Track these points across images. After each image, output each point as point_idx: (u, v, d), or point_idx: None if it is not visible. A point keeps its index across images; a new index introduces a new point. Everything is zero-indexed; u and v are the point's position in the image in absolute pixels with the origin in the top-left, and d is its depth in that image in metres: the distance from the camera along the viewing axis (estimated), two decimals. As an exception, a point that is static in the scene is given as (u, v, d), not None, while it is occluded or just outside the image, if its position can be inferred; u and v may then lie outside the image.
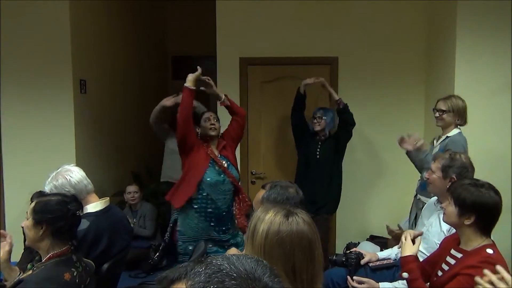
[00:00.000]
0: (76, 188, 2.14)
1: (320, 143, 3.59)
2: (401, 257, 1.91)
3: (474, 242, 1.80)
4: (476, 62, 3.40)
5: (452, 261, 1.86)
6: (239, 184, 3.01)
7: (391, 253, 2.57)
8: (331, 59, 4.05)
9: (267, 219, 1.20)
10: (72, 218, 1.79)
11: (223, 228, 2.91)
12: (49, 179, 2.17)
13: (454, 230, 2.08)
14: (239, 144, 4.10)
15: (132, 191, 4.15)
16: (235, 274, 0.66)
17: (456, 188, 1.87)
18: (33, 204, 1.81)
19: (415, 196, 3.00)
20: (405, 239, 1.95)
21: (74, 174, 2.17)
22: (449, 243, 1.96)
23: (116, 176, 4.58)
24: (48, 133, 3.83)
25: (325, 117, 3.55)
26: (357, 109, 4.04)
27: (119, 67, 4.77)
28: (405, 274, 1.86)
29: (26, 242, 1.83)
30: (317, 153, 3.58)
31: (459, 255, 1.85)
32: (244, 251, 1.25)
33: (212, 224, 2.86)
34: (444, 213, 1.95)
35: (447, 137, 2.85)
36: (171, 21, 6.26)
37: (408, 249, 1.91)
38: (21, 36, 3.80)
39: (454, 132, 2.85)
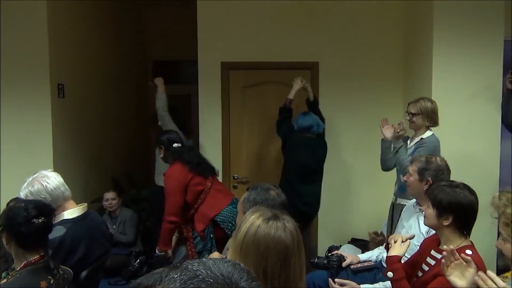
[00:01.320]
0: (53, 195, 2.08)
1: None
2: (386, 257, 1.93)
3: (454, 243, 1.83)
4: (453, 65, 3.47)
5: (432, 262, 1.89)
6: None
7: (372, 255, 2.60)
8: (311, 64, 4.08)
9: (250, 219, 1.23)
10: (28, 225, 1.69)
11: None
12: (25, 185, 2.10)
13: (433, 232, 2.11)
14: (220, 148, 4.13)
15: (109, 198, 4.09)
16: (211, 280, 0.64)
17: (432, 190, 1.92)
18: None
19: (395, 199, 3.03)
20: (395, 242, 1.97)
21: (50, 180, 2.11)
22: (429, 244, 2.00)
23: (96, 182, 4.50)
24: (25, 138, 3.74)
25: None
26: (337, 113, 4.10)
27: (98, 72, 4.70)
28: (389, 274, 1.88)
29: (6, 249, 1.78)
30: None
31: (439, 256, 1.87)
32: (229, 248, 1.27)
33: None
34: (424, 216, 1.98)
35: (421, 138, 2.92)
36: (152, 25, 6.22)
37: (396, 249, 1.94)
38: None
39: (427, 134, 2.93)
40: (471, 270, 1.49)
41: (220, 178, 4.08)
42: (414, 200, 2.53)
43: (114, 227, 4.07)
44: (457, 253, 1.53)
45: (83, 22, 4.38)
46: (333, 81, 4.09)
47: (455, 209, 1.83)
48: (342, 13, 4.04)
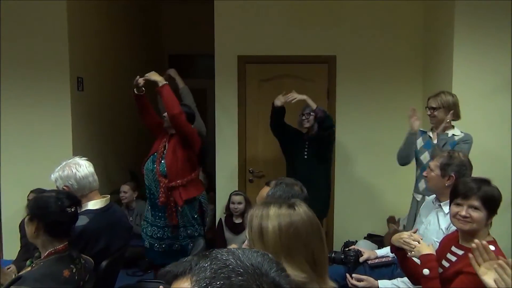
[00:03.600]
0: (80, 183, 2.12)
1: (307, 143, 3.52)
2: (422, 255, 1.87)
3: (481, 239, 1.79)
4: (474, 60, 3.40)
5: (453, 258, 1.86)
6: (165, 179, 3.10)
7: (390, 250, 2.58)
8: (329, 57, 4.05)
9: (273, 215, 1.18)
10: (63, 214, 1.76)
11: (159, 214, 3.20)
12: (58, 168, 2.15)
13: (453, 228, 2.08)
14: (236, 142, 4.12)
15: (122, 191, 4.17)
16: (241, 270, 0.64)
17: (486, 192, 1.80)
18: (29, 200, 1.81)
19: (421, 198, 2.96)
20: (419, 242, 1.92)
21: (81, 169, 2.14)
22: (449, 240, 1.96)
23: (114, 174, 4.57)
24: (45, 131, 3.82)
25: (313, 113, 3.46)
26: (355, 107, 4.07)
27: (116, 65, 4.75)
28: (426, 271, 1.82)
29: (28, 238, 1.82)
30: (305, 153, 3.51)
31: (460, 252, 1.85)
32: None
33: (148, 207, 3.28)
34: (465, 222, 1.83)
35: (454, 135, 2.83)
36: (168, 19, 6.25)
37: (427, 248, 1.89)
38: (19, 34, 3.78)
39: (457, 131, 2.85)
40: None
41: (236, 172, 4.11)
42: (433, 196, 2.49)
43: (131, 219, 4.12)
44: (492, 252, 1.45)
45: (101, 16, 4.43)
46: (351, 75, 4.05)
47: (499, 206, 1.81)
48: (360, 6, 3.99)
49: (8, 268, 3.09)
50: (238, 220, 3.81)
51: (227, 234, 3.82)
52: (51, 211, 1.74)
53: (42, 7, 3.72)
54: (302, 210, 1.20)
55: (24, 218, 2.02)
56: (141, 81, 3.13)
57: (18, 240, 3.44)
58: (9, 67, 3.81)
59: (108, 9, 4.58)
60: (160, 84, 3.02)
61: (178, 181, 3.07)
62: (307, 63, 4.04)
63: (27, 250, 3.25)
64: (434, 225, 2.34)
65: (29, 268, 1.74)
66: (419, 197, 2.94)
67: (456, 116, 2.87)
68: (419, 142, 3.01)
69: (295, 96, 3.34)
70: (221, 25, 4.02)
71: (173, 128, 3.10)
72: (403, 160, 3.07)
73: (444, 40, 3.60)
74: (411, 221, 2.93)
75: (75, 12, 3.84)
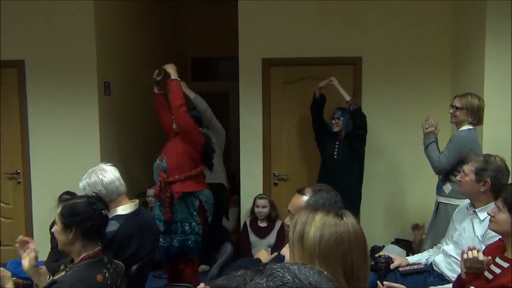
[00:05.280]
0: (107, 188, 2.15)
1: (338, 143, 3.53)
2: (469, 272, 1.81)
3: None
4: (507, 60, 3.29)
5: (497, 270, 1.79)
6: (165, 174, 3.13)
7: (422, 257, 2.51)
8: (354, 59, 3.99)
9: (318, 221, 1.16)
10: (100, 217, 1.82)
11: (160, 208, 3.21)
12: (85, 176, 2.19)
13: (491, 236, 2.01)
14: (261, 145, 4.10)
15: (149, 195, 4.19)
16: None
17: (509, 195, 1.78)
18: (59, 209, 1.82)
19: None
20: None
21: (107, 174, 2.18)
22: (493, 250, 1.89)
23: (139, 177, 4.62)
24: (74, 134, 3.90)
25: (342, 118, 3.48)
26: (382, 109, 3.99)
27: (140, 70, 4.80)
28: None
29: (59, 247, 1.84)
30: (335, 154, 3.52)
31: (505, 264, 1.77)
32: (289, 255, 1.20)
33: (157, 202, 3.28)
34: (493, 221, 1.84)
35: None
36: (191, 23, 6.29)
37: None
38: (48, 39, 3.87)
39: (463, 127, 2.79)
40: None
41: (260, 175, 4.10)
42: (467, 201, 2.42)
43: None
44: None
45: (126, 22, 4.49)
46: (377, 76, 3.98)
47: None
48: (387, 7, 3.92)
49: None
50: (262, 224, 3.80)
51: (252, 237, 3.81)
52: (89, 216, 1.77)
53: (70, 13, 3.81)
54: (349, 221, 1.17)
55: (54, 221, 2.04)
56: (159, 78, 3.25)
57: (49, 242, 3.51)
58: (37, 72, 3.91)
59: (132, 14, 4.65)
60: (172, 77, 3.11)
61: (176, 176, 3.09)
62: (332, 65, 3.99)
63: (58, 251, 3.32)
64: (469, 232, 2.26)
65: (63, 273, 1.76)
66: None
67: (477, 121, 2.80)
68: None
69: (332, 79, 3.49)
70: (245, 27, 4.01)
71: (175, 121, 3.13)
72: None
73: (474, 40, 3.49)
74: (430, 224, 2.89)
75: (102, 17, 3.92)
